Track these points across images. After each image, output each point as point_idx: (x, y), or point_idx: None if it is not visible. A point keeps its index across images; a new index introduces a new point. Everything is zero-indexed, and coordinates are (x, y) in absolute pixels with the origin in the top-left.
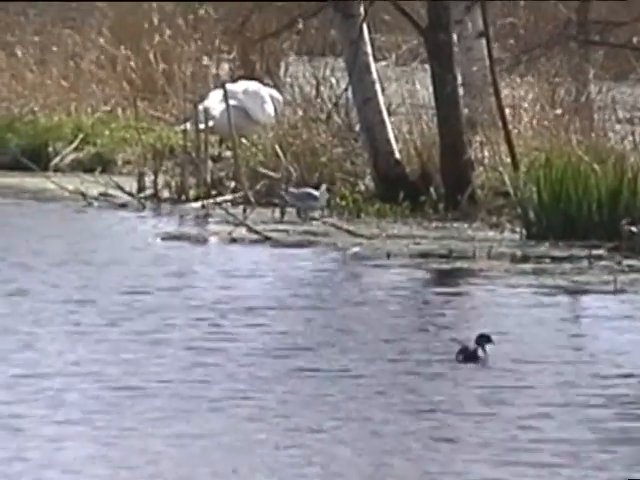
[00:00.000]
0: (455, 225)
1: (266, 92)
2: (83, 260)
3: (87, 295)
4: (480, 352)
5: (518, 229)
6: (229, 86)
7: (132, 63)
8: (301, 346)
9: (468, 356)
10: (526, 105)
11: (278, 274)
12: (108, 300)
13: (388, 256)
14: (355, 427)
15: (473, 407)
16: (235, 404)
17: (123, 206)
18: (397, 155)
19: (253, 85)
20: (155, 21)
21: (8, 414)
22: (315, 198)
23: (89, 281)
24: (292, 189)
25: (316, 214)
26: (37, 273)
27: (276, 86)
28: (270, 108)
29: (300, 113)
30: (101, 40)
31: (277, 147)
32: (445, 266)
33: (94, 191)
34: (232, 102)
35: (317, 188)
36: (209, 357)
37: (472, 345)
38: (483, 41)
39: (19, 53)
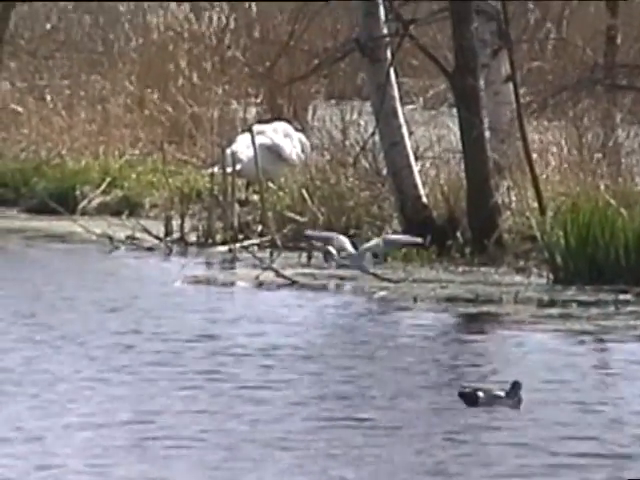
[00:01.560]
0: (482, 269)
1: (295, 134)
2: (111, 305)
3: (122, 340)
4: (481, 395)
5: (545, 273)
6: (258, 125)
7: (159, 106)
8: (330, 395)
9: (468, 400)
10: (553, 149)
11: (305, 319)
12: (142, 346)
13: (415, 300)
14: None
15: (505, 457)
16: (272, 454)
17: (150, 250)
18: (424, 199)
19: (282, 125)
20: (182, 64)
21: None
22: (365, 259)
23: (122, 326)
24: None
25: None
26: (67, 317)
27: (303, 130)
28: (298, 148)
29: (327, 157)
30: (127, 84)
31: (304, 191)
32: (472, 310)
33: (121, 234)
34: (261, 140)
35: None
36: (240, 406)
37: (474, 388)
38: (510, 85)
39: (47, 97)
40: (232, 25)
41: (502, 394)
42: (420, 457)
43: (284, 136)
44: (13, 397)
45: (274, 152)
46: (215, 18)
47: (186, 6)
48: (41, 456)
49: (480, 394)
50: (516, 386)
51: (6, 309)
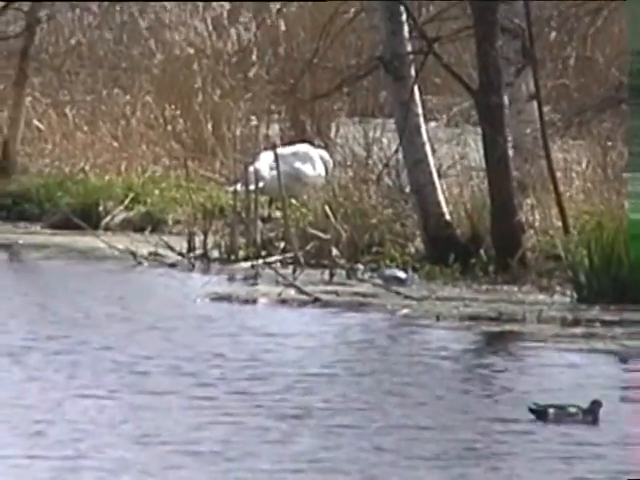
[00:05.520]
0: (505, 288)
1: (316, 153)
2: (132, 321)
3: (141, 355)
4: (551, 412)
5: (568, 292)
6: (279, 149)
7: (182, 123)
8: (357, 415)
9: (539, 416)
10: (577, 168)
11: (328, 336)
12: (163, 362)
13: (437, 318)
14: None
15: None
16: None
17: (173, 266)
18: (447, 217)
19: (303, 147)
20: (202, 81)
21: None
22: (402, 280)
23: (144, 342)
24: (381, 270)
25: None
26: (89, 334)
27: (326, 147)
28: (320, 169)
29: (350, 174)
30: (149, 99)
31: (327, 208)
32: (495, 329)
33: (144, 250)
34: (282, 166)
35: (405, 270)
36: (263, 422)
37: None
38: (534, 103)
39: (69, 113)
40: (254, 41)
41: (576, 411)
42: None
43: (305, 160)
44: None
45: (295, 176)
46: (237, 34)
47: (209, 22)
48: None
49: (550, 411)
50: (595, 404)
51: (28, 324)
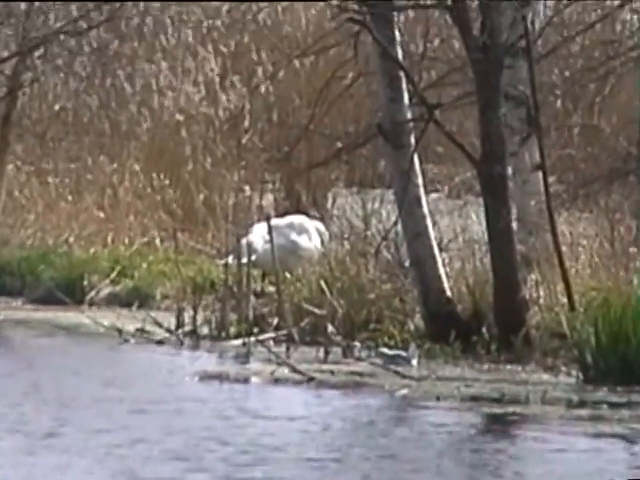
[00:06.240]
0: (508, 367)
1: (312, 225)
2: (117, 401)
3: (127, 438)
4: None
5: (574, 373)
6: (273, 221)
7: (171, 192)
8: None
9: None
10: (584, 242)
11: (323, 418)
12: (150, 444)
13: (438, 399)
14: None
15: None
16: None
17: (161, 343)
18: (448, 292)
19: (298, 218)
20: (192, 148)
21: None
22: (406, 359)
23: (129, 424)
24: (382, 349)
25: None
26: (72, 415)
27: (322, 218)
28: (316, 241)
29: (347, 247)
30: (137, 168)
31: (322, 282)
32: (497, 410)
33: (131, 327)
34: (276, 239)
35: (406, 349)
36: None
37: None
38: (539, 174)
39: (53, 182)
40: (248, 108)
41: None
42: None
43: (300, 232)
44: None
45: (290, 249)
46: (228, 100)
47: (200, 87)
48: None
49: None
50: None
51: (10, 408)
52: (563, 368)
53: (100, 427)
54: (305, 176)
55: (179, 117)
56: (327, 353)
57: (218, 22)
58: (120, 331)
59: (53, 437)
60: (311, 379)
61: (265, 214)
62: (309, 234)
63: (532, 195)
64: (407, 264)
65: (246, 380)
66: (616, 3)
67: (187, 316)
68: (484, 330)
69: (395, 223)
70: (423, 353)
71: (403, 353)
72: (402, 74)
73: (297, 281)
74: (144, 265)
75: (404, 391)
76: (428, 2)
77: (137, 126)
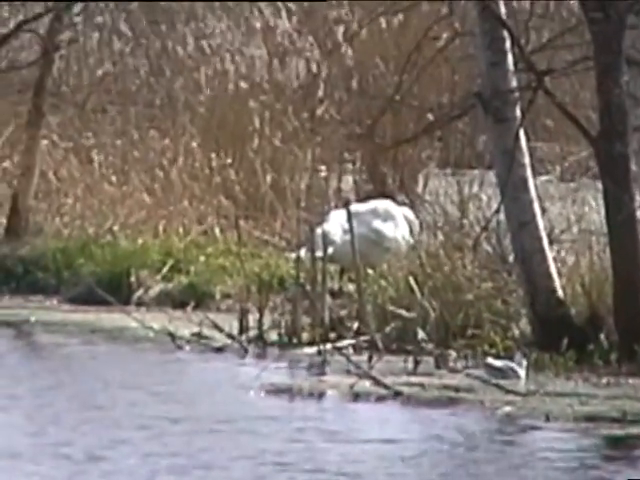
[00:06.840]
0: (630, 381)
1: (399, 212)
2: (172, 421)
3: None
4: None
5: None
6: (353, 207)
7: (233, 174)
8: None
9: None
10: None
11: (415, 442)
12: (213, 470)
13: (547, 419)
14: None
15: None
16: None
17: (220, 350)
18: (560, 292)
19: (383, 204)
20: (259, 122)
21: None
22: (516, 372)
23: (186, 446)
24: (489, 360)
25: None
26: (121, 436)
27: (412, 205)
28: (404, 231)
29: (441, 238)
30: (193, 144)
31: (411, 280)
32: (618, 432)
33: (185, 331)
34: (357, 228)
35: (512, 359)
36: None
37: None
38: None
39: (96, 160)
40: (324, 75)
41: None
42: None
43: (385, 220)
44: None
45: (373, 240)
46: (300, 66)
47: (269, 50)
48: None
49: None
50: None
51: (51, 427)
52: None
53: (152, 450)
54: (391, 154)
55: (243, 85)
56: (417, 363)
57: None
58: (173, 336)
59: (99, 461)
60: (398, 394)
61: (344, 199)
62: (396, 222)
63: None
64: (511, 259)
65: (321, 395)
66: None
67: (252, 319)
68: (602, 337)
69: (497, 211)
70: (530, 364)
71: (514, 364)
72: (506, 34)
73: (381, 278)
74: (201, 259)
75: (508, 408)
76: None
77: (193, 96)
